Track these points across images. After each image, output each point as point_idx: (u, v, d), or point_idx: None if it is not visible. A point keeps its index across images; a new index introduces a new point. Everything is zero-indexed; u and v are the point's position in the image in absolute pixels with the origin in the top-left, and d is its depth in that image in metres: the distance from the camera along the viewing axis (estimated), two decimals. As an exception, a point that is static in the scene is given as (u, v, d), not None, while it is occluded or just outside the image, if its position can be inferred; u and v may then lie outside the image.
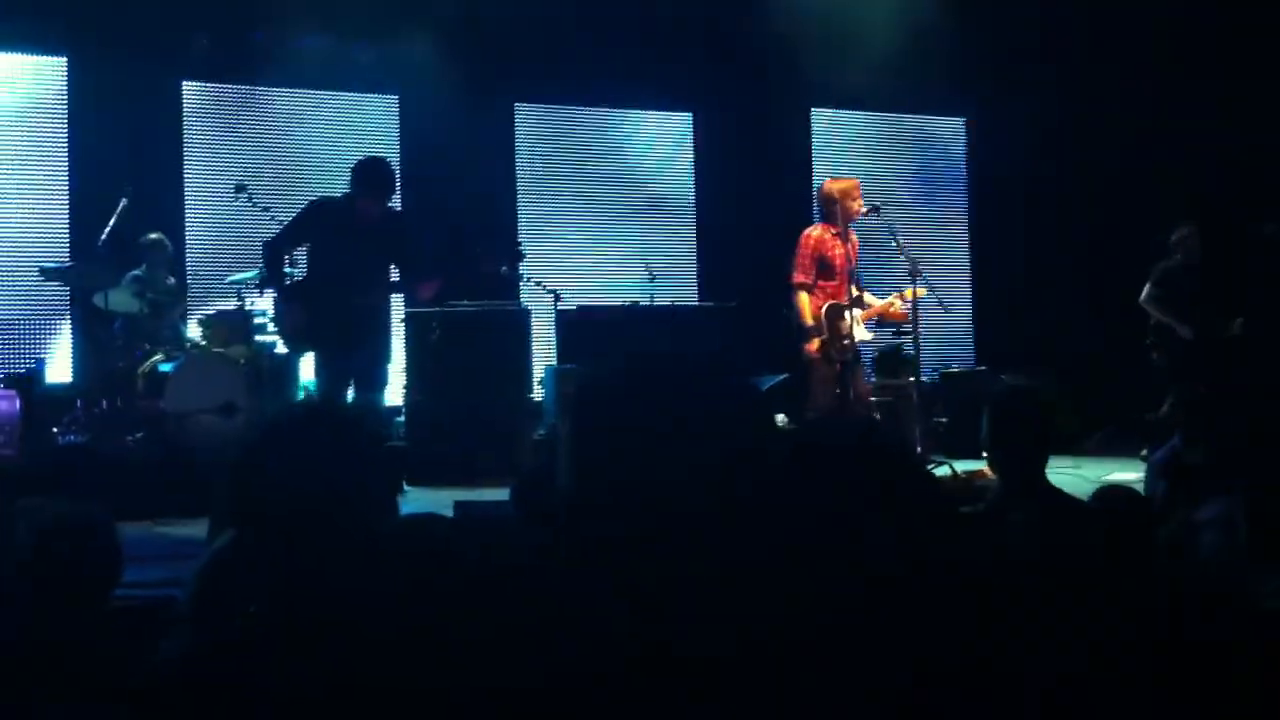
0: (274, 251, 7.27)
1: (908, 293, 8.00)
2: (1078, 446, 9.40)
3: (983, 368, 10.79)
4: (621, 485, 1.49)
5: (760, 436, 1.55)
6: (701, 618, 1.45)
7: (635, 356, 1.58)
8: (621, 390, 1.54)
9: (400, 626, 1.61)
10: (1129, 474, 7.24)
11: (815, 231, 8.00)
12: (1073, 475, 7.28)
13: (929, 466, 7.91)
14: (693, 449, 1.50)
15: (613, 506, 1.48)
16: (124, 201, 8.27)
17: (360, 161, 7.35)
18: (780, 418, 8.91)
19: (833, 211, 7.98)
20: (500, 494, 7.39)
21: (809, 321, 7.82)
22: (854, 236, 8.08)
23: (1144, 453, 6.73)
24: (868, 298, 8.12)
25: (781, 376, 8.63)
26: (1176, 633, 1.88)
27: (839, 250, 7.93)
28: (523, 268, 8.86)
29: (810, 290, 7.88)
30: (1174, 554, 3.55)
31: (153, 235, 8.71)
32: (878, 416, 8.07)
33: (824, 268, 7.90)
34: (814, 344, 7.80)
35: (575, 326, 9.18)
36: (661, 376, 1.57)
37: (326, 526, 1.84)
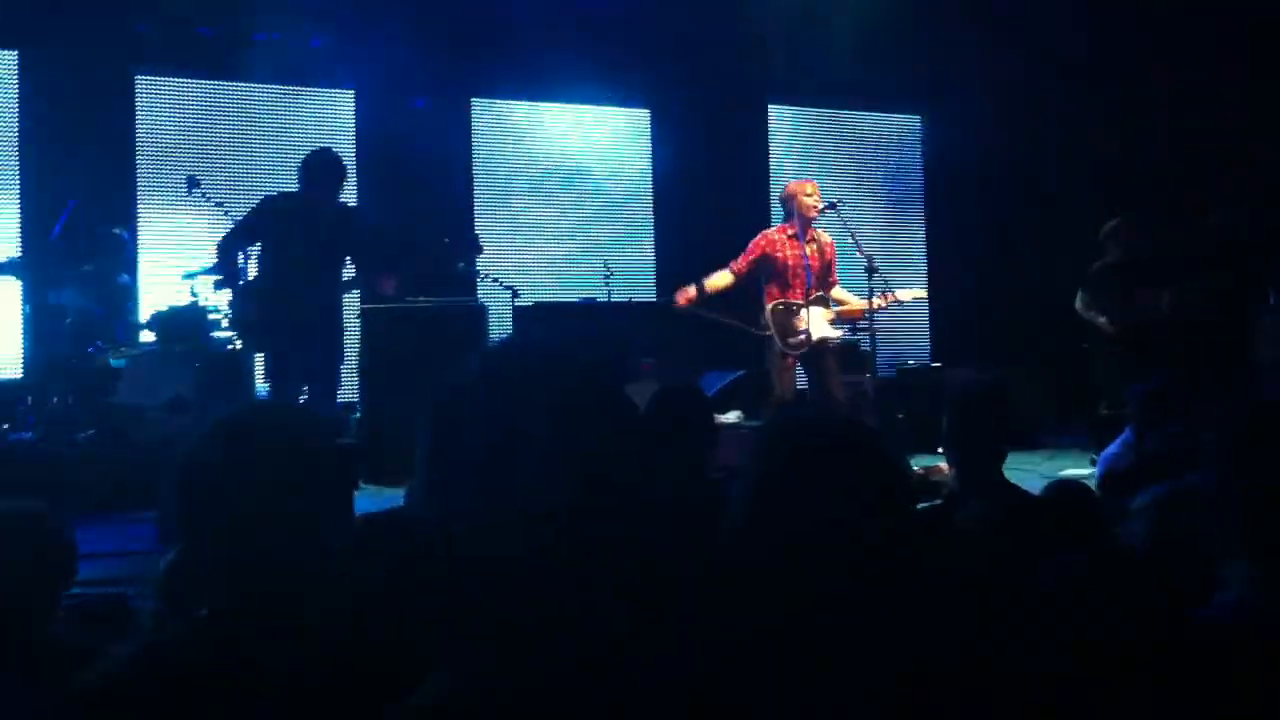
0: (226, 249, 7.21)
1: (900, 294, 8.10)
2: (1035, 441, 9.51)
3: (938, 364, 10.85)
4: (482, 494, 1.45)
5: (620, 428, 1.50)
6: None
7: (489, 356, 1.53)
8: (479, 396, 1.50)
9: (355, 625, 1.60)
10: (1083, 469, 7.31)
11: (768, 231, 8.13)
12: (1026, 471, 7.33)
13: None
14: (546, 449, 1.45)
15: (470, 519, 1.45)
16: (73, 203, 8.20)
17: (309, 154, 7.30)
18: (735, 414, 8.95)
19: (789, 210, 8.06)
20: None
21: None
22: (823, 237, 8.15)
23: (1092, 457, 6.77)
24: (840, 294, 8.17)
25: (736, 375, 8.65)
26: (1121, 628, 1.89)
27: (791, 251, 7.99)
28: (480, 262, 8.85)
29: (736, 278, 8.04)
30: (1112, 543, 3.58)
31: (112, 230, 8.63)
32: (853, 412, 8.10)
33: (770, 268, 7.99)
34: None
35: (532, 323, 9.16)
36: (509, 376, 1.52)
37: (276, 530, 1.81)
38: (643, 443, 1.44)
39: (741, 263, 8.05)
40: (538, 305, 9.61)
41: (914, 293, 8.50)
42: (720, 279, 8.02)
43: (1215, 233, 8.72)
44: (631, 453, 1.44)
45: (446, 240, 8.89)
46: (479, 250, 8.62)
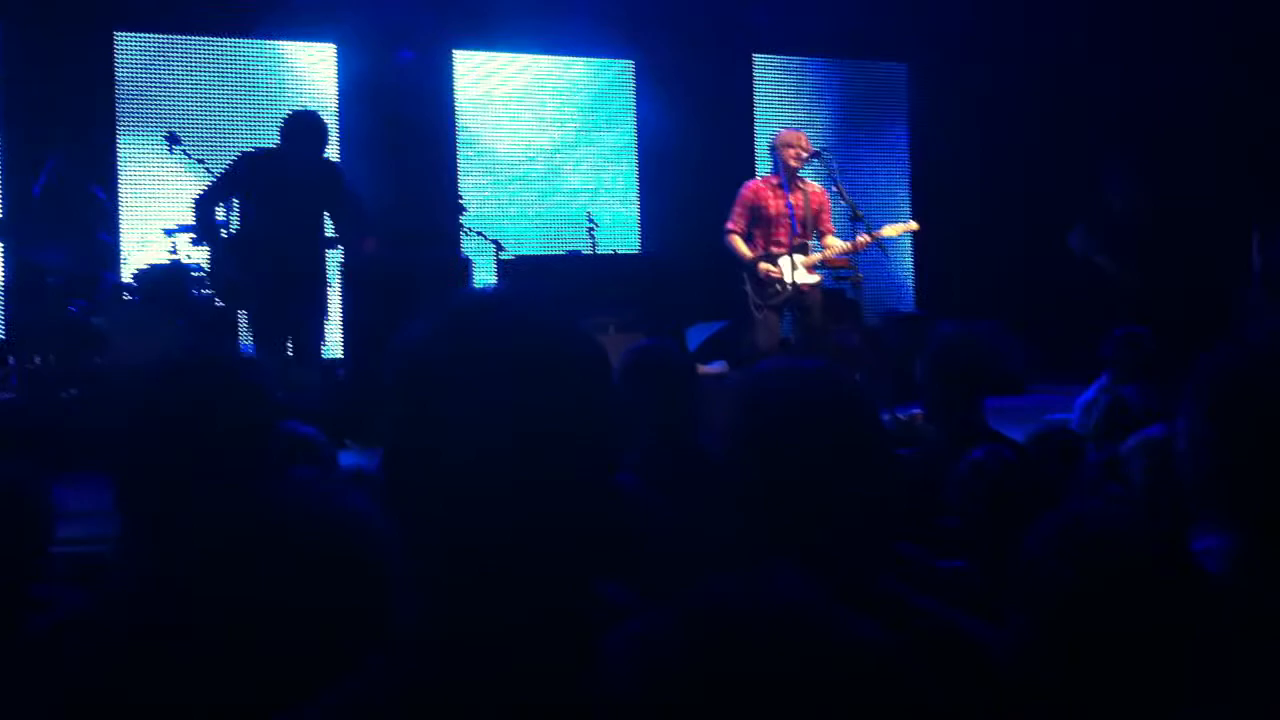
0: (204, 207, 7.17)
1: (886, 230, 8.11)
2: (1018, 387, 9.52)
3: (923, 312, 10.84)
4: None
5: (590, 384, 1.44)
6: None
7: (461, 309, 1.46)
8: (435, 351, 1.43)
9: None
10: (1066, 414, 7.31)
11: (753, 183, 8.21)
12: (1009, 416, 7.32)
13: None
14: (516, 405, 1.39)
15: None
16: (52, 160, 8.13)
17: (291, 114, 7.26)
18: (720, 365, 8.95)
19: (775, 161, 8.14)
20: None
21: (748, 255, 8.03)
22: (812, 185, 8.18)
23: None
24: (831, 241, 8.19)
25: (720, 325, 8.67)
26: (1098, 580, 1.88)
27: (775, 201, 8.04)
28: (464, 219, 8.80)
29: (742, 236, 8.12)
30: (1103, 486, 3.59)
31: (90, 188, 8.59)
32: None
33: (758, 218, 8.07)
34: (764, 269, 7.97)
35: (516, 276, 9.12)
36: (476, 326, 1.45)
37: (198, 490, 1.79)
38: (613, 404, 1.37)
39: (739, 221, 8.13)
40: (521, 259, 9.56)
41: (903, 226, 8.51)
42: (743, 246, 8.10)
43: (1213, 190, 8.70)
44: (603, 416, 1.40)
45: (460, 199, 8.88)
46: (462, 211, 8.60)
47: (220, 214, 7.27)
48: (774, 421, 1.98)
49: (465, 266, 8.98)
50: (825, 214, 8.24)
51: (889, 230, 8.25)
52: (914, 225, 8.72)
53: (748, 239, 8.14)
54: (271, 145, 7.34)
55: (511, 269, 9.08)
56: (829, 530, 1.94)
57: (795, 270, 7.97)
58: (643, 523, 2.83)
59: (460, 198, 8.78)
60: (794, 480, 1.95)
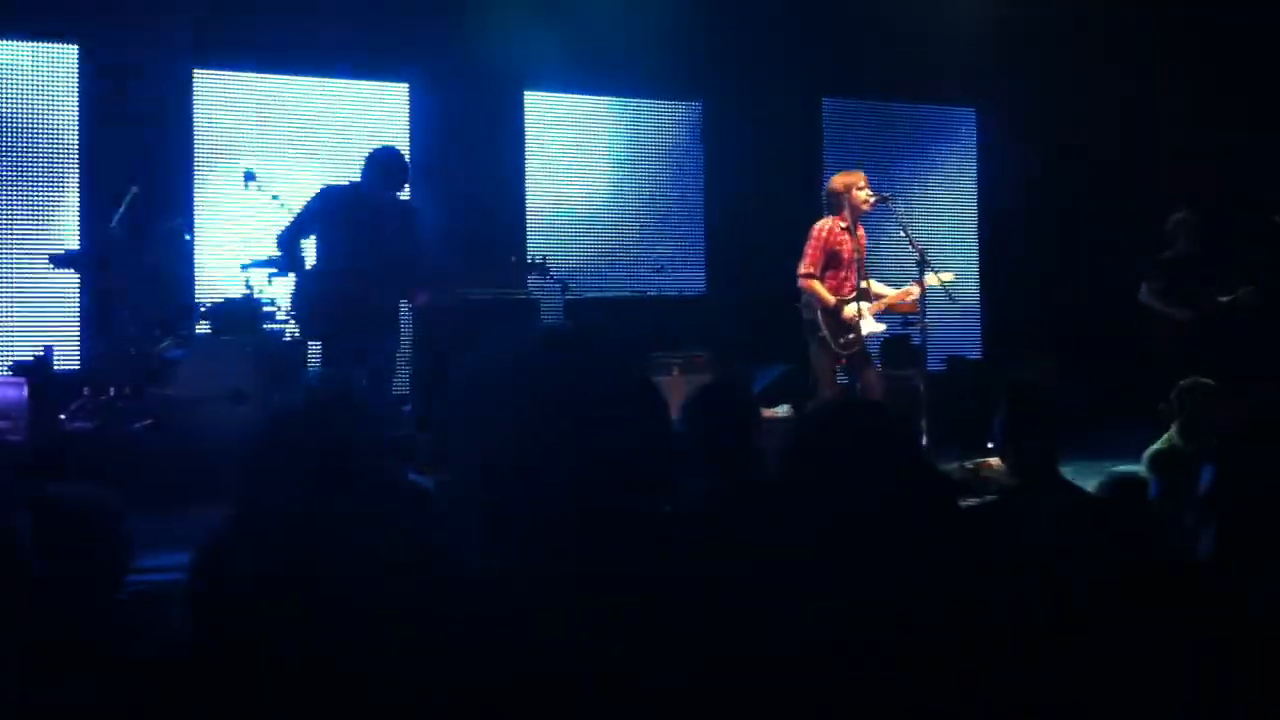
0: (287, 243, 7.30)
1: (928, 280, 8.01)
2: (1090, 436, 9.41)
3: (990, 357, 10.77)
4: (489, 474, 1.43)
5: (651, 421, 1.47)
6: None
7: (515, 344, 1.51)
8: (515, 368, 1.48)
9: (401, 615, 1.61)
10: (1138, 465, 7.22)
11: (826, 224, 8.09)
12: (1076, 463, 7.25)
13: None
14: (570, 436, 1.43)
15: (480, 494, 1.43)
16: (134, 190, 8.29)
17: (375, 151, 7.37)
18: (784, 408, 8.92)
19: (839, 204, 8.05)
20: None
21: (831, 301, 7.92)
22: (860, 229, 8.14)
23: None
24: (876, 287, 8.16)
25: (780, 369, 8.66)
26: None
27: (848, 243, 8.01)
28: (543, 264, 8.85)
29: (820, 280, 8.01)
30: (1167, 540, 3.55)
31: (169, 223, 8.75)
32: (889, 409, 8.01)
33: (832, 261, 8.00)
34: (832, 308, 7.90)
35: (583, 316, 9.17)
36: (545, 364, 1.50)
37: (330, 519, 1.83)
38: (671, 442, 1.41)
39: (818, 265, 7.98)
40: (588, 299, 9.63)
41: (940, 277, 8.43)
42: (826, 292, 8.00)
43: None
44: (659, 452, 1.43)
45: (514, 259, 8.97)
46: (543, 271, 8.66)
47: (300, 248, 7.39)
48: (822, 466, 1.99)
49: (532, 307, 9.06)
50: (864, 257, 8.22)
51: (930, 280, 8.13)
52: (950, 276, 8.56)
53: (820, 281, 8.04)
54: (350, 182, 7.46)
55: (577, 309, 9.14)
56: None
57: (866, 319, 7.96)
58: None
59: (539, 256, 8.83)
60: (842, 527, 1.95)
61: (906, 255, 8.25)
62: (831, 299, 7.95)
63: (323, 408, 2.17)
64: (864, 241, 8.15)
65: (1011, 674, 1.79)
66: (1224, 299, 8.27)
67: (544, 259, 8.69)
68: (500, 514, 1.37)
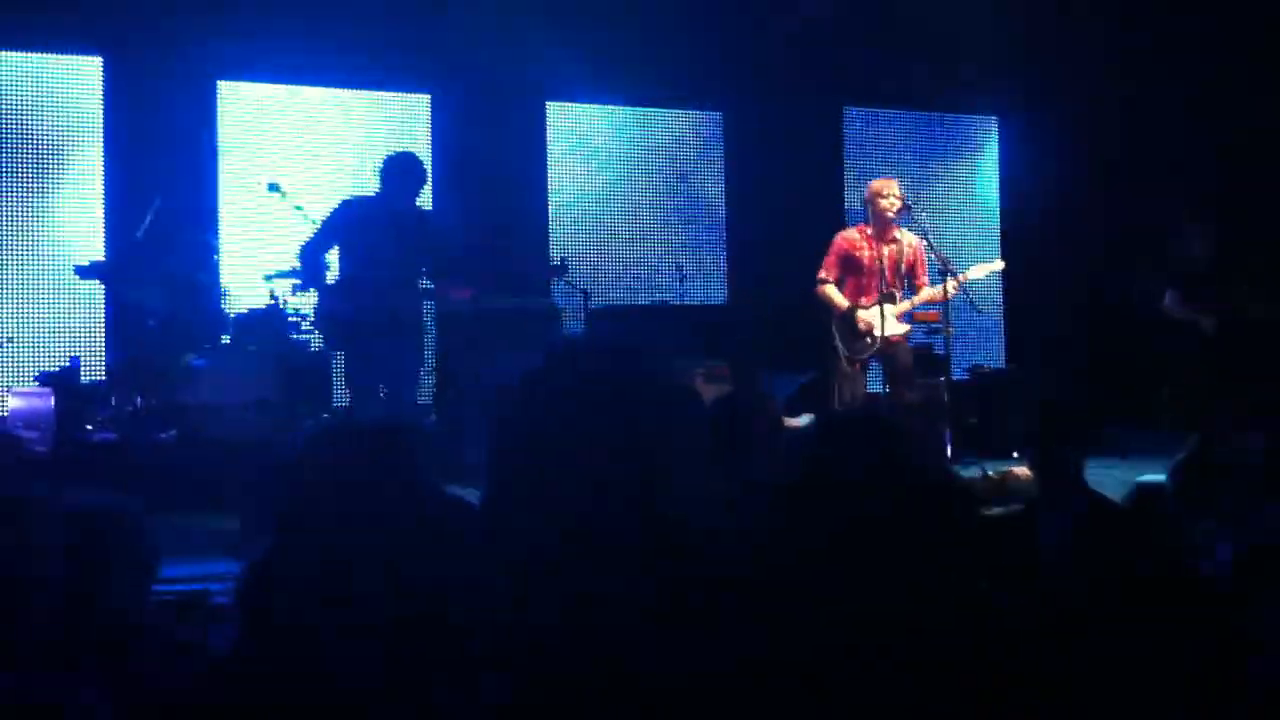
0: (310, 254, 7.32)
1: (970, 273, 8.06)
2: (1113, 443, 9.40)
3: (1014, 366, 10.74)
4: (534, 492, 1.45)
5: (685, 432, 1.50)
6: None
7: (557, 355, 1.55)
8: (541, 394, 1.50)
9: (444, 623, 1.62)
10: (1161, 474, 7.17)
11: (846, 232, 8.20)
12: (1106, 473, 7.21)
13: (959, 468, 7.92)
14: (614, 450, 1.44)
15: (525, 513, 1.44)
16: (158, 201, 8.35)
17: (390, 156, 7.40)
18: (807, 418, 8.90)
19: (869, 211, 8.12)
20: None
21: (843, 305, 7.96)
22: (907, 237, 8.14)
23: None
24: (927, 293, 8.13)
25: (803, 378, 8.66)
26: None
27: (868, 251, 8.03)
28: (563, 266, 8.87)
29: (835, 285, 8.13)
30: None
31: (198, 234, 8.82)
32: (915, 418, 8.01)
33: (851, 267, 8.05)
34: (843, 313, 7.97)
35: (605, 325, 9.18)
36: (584, 377, 1.52)
37: (368, 534, 1.84)
38: (704, 451, 1.44)
39: (832, 270, 8.10)
40: (610, 308, 9.64)
41: (988, 266, 8.46)
42: (838, 296, 8.03)
43: None
44: (694, 462, 1.45)
45: (554, 263, 9.02)
46: (564, 271, 8.71)
47: (323, 259, 7.41)
48: (831, 477, 1.99)
49: (555, 315, 9.07)
50: (921, 266, 8.20)
51: (975, 271, 8.20)
52: (1000, 264, 8.64)
53: (839, 288, 8.13)
54: (371, 193, 7.49)
55: (601, 318, 9.15)
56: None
57: (884, 321, 7.95)
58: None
59: (561, 260, 8.88)
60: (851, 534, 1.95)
61: (932, 264, 8.25)
62: (844, 303, 8.01)
63: (361, 430, 2.19)
64: (909, 250, 8.14)
65: (1022, 680, 1.78)
66: (1251, 307, 8.22)
67: (563, 260, 8.71)
68: (546, 526, 1.38)
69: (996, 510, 4.40)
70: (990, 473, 7.57)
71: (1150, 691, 1.92)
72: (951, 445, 8.27)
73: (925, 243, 8.15)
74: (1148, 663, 1.94)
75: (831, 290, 8.07)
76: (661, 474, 1.40)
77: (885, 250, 8.06)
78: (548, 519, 1.37)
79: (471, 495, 5.31)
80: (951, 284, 7.95)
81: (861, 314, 7.99)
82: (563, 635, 1.36)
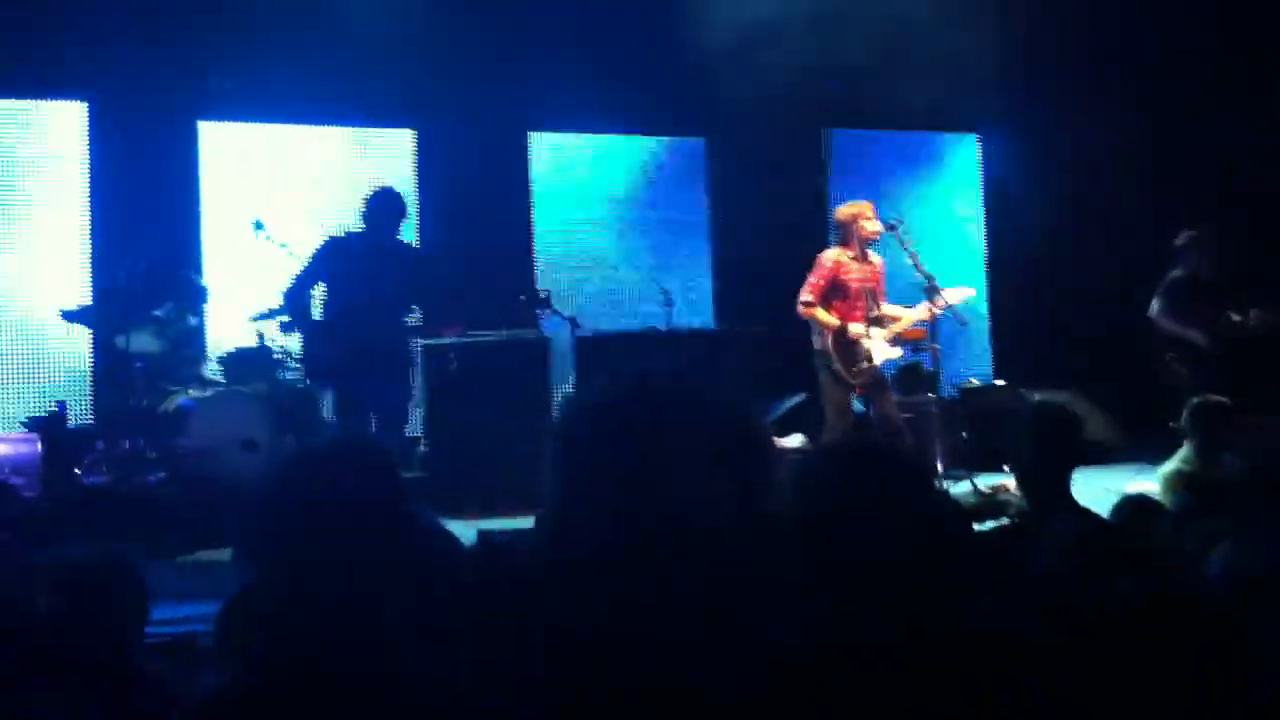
0: (294, 295, 7.32)
1: (946, 297, 8.03)
2: (1099, 456, 9.43)
3: (1002, 382, 10.77)
4: (605, 517, 1.45)
5: (754, 465, 1.52)
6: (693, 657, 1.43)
7: (627, 377, 1.55)
8: (610, 416, 1.51)
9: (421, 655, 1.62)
10: (1147, 483, 7.20)
11: (832, 253, 8.13)
12: (1090, 486, 7.22)
13: (949, 483, 7.93)
14: (683, 479, 1.46)
15: (594, 538, 1.45)
16: (141, 248, 8.36)
17: (372, 192, 7.41)
18: (797, 438, 8.91)
19: (847, 235, 8.09)
20: (521, 523, 7.43)
21: (836, 324, 7.91)
22: (876, 258, 8.15)
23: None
24: (888, 309, 8.13)
25: (798, 399, 8.67)
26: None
27: (855, 273, 8.02)
28: (546, 298, 8.89)
29: (823, 305, 8.06)
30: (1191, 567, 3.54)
31: (186, 274, 8.82)
32: (906, 437, 7.99)
33: (839, 291, 8.01)
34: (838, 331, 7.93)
35: (593, 353, 9.19)
36: (652, 401, 1.53)
37: (343, 561, 1.84)
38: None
39: (818, 293, 7.99)
40: (598, 335, 9.64)
41: (961, 292, 8.46)
42: (829, 317, 8.00)
43: None
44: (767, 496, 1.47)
45: (522, 298, 9.04)
46: (546, 305, 8.72)
47: (309, 299, 7.41)
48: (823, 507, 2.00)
49: (544, 345, 9.07)
50: (881, 285, 8.23)
51: (950, 295, 8.17)
52: (970, 291, 8.63)
53: (824, 309, 8.06)
54: (354, 229, 7.50)
55: (587, 346, 9.16)
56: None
57: (878, 347, 7.95)
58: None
59: (543, 291, 8.89)
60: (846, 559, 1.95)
61: (914, 282, 8.27)
62: (836, 322, 7.95)
63: (338, 448, 2.19)
64: (881, 271, 8.16)
65: (1015, 701, 1.78)
66: (1237, 319, 8.24)
67: (548, 293, 8.71)
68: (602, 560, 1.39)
69: (988, 525, 4.41)
70: (980, 487, 7.59)
71: (1146, 707, 1.92)
72: (941, 461, 8.28)
73: (911, 260, 8.17)
74: (1143, 679, 1.94)
75: (820, 311, 7.98)
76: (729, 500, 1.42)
77: (866, 272, 8.08)
78: (620, 540, 1.39)
79: (466, 525, 5.28)
80: (932, 306, 7.96)
81: (854, 329, 7.94)
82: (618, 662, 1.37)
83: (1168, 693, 1.84)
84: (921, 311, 8.05)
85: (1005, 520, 4.41)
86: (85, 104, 9.46)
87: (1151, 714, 1.84)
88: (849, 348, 7.92)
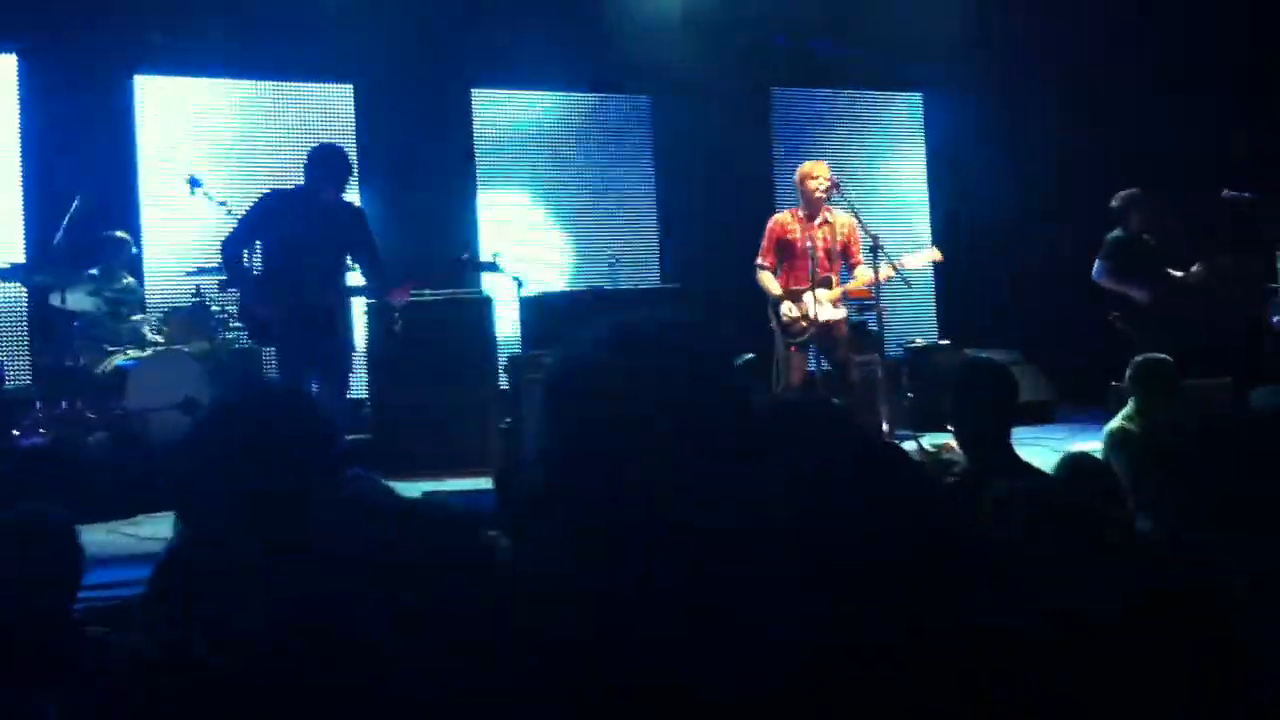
0: (231, 249, 7.19)
1: (882, 272, 8.04)
2: (1044, 416, 9.54)
3: (947, 341, 10.83)
4: (596, 472, 1.43)
5: (741, 416, 1.49)
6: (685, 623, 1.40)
7: (616, 326, 1.52)
8: (598, 367, 1.48)
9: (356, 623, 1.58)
10: (1091, 442, 7.27)
11: (777, 216, 8.26)
12: (1034, 446, 7.30)
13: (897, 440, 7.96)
14: (675, 430, 1.43)
15: (585, 496, 1.43)
16: (76, 201, 8.18)
17: (315, 148, 7.29)
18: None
19: (799, 194, 8.15)
20: (468, 484, 7.40)
21: (776, 292, 7.99)
22: (839, 216, 8.15)
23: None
24: (860, 273, 8.15)
25: (747, 357, 8.67)
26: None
27: (800, 234, 8.05)
28: (495, 259, 8.83)
29: (772, 271, 8.13)
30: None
31: (115, 233, 8.67)
32: (852, 395, 8.04)
33: (786, 251, 8.08)
34: (786, 310, 8.00)
35: (538, 312, 9.15)
36: (640, 353, 1.50)
37: (268, 515, 1.80)
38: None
39: (769, 255, 8.13)
40: (544, 295, 9.60)
41: (926, 255, 8.52)
42: (773, 283, 8.05)
43: (1231, 211, 8.65)
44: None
45: (465, 256, 8.96)
46: (491, 266, 8.65)
47: (246, 255, 7.29)
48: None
49: (485, 304, 9.02)
50: (854, 246, 8.21)
51: (910, 261, 8.23)
52: (937, 255, 8.68)
53: (777, 271, 8.15)
54: (293, 185, 7.38)
55: (532, 305, 9.12)
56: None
57: (819, 306, 7.96)
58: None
59: (494, 255, 8.84)
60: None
61: (862, 242, 8.28)
62: (776, 290, 8.05)
63: (265, 399, 2.14)
64: (835, 230, 8.15)
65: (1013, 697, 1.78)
66: (1178, 275, 8.32)
67: (496, 255, 8.65)
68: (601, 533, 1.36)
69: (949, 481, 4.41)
70: (926, 446, 7.62)
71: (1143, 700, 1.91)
72: (888, 421, 8.33)
73: (854, 219, 8.17)
74: (1099, 649, 1.93)
75: (766, 277, 8.11)
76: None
77: (819, 233, 8.07)
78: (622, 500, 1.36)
79: (411, 486, 5.26)
80: (887, 270, 7.98)
81: (787, 305, 8.01)
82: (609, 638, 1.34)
83: (1163, 686, 1.83)
84: (873, 276, 8.06)
85: (949, 479, 4.41)
86: (15, 56, 9.25)
87: (1151, 710, 1.83)
88: (783, 315, 8.03)
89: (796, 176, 8.25)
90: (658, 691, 1.36)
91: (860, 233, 8.19)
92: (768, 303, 8.12)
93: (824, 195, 8.09)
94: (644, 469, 1.38)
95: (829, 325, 8.00)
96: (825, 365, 8.26)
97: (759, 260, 8.16)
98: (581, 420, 1.44)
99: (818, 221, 8.11)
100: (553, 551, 1.42)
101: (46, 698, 2.50)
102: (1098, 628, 1.89)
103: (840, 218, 8.18)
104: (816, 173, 8.12)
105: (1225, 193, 8.60)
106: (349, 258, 7.25)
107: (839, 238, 8.13)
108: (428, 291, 8.61)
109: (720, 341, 1.49)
